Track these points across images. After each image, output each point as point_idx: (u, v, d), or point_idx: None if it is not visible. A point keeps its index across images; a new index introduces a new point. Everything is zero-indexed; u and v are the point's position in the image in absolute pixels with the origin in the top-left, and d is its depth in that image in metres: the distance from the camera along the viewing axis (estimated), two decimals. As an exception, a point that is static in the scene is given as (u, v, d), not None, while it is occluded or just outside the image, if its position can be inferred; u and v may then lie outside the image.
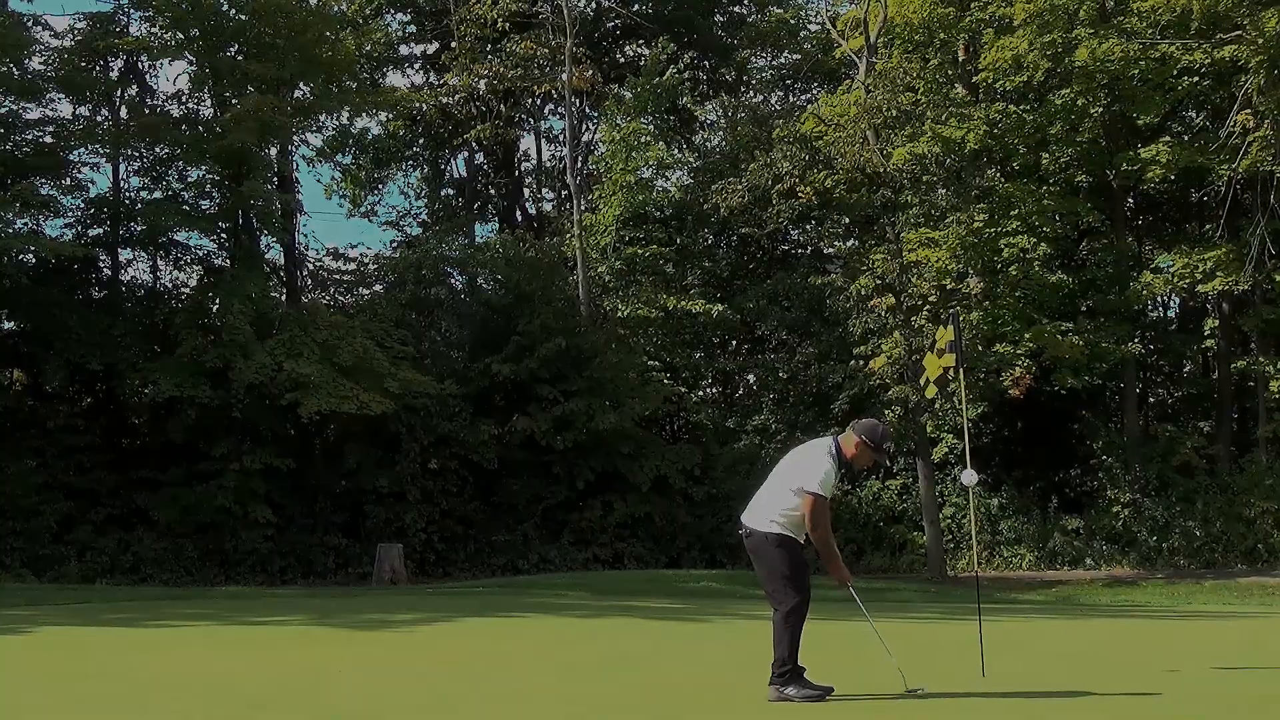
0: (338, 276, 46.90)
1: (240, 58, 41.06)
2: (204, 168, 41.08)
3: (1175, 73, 39.50)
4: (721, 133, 54.02)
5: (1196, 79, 40.19)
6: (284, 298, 43.46)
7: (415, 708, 10.87)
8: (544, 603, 24.75)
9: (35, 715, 10.37)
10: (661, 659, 14.81)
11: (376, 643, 16.49)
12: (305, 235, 53.43)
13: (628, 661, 14.45)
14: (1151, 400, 49.68)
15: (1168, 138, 40.53)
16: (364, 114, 49.70)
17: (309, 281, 46.29)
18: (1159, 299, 47.36)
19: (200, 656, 14.63)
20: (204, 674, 12.80)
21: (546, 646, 16.46)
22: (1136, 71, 39.22)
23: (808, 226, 49.03)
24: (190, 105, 42.96)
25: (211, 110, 42.10)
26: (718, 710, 10.88)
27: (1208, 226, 42.57)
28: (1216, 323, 43.97)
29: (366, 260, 47.51)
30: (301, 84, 43.20)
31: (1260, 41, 36.24)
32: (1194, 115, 44.89)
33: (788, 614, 11.14)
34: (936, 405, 39.58)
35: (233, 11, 40.73)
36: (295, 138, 44.48)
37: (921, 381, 14.86)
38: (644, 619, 21.23)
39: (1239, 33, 37.09)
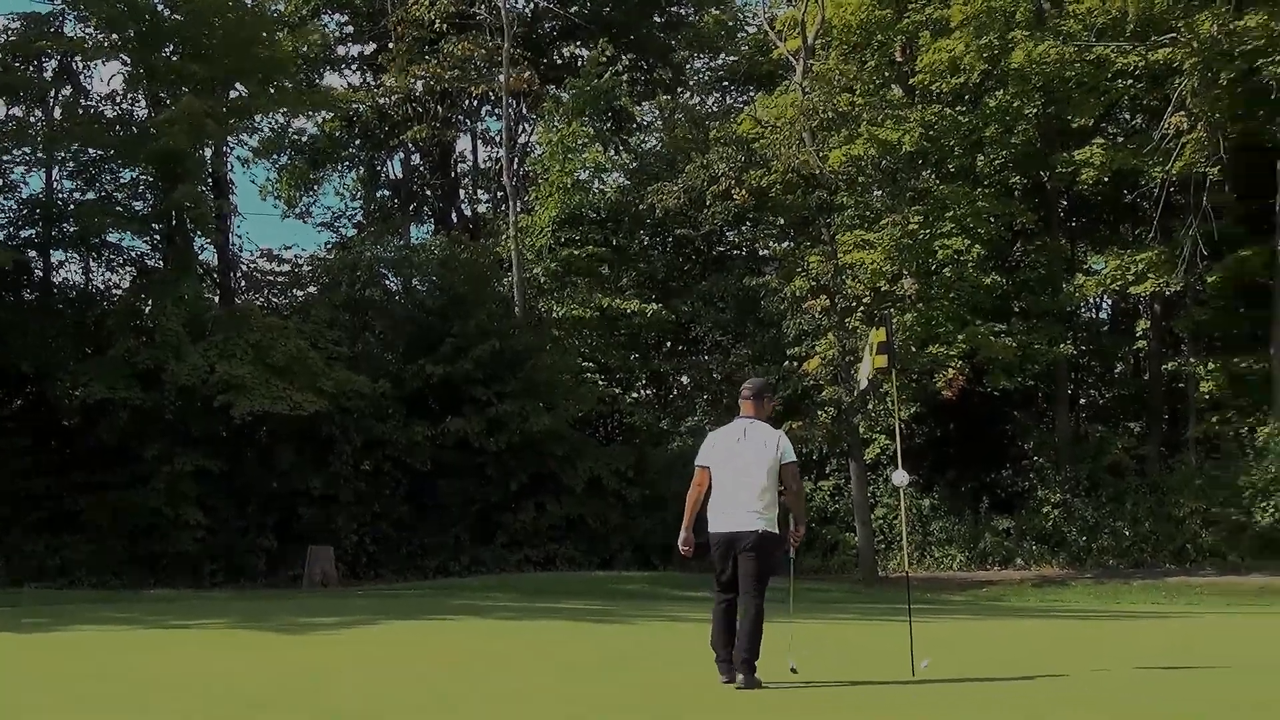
0: (271, 278, 46.43)
1: (175, 58, 40.55)
2: (137, 169, 40.54)
3: (1110, 75, 39.65)
4: (658, 134, 53.96)
5: (1131, 81, 40.35)
6: (217, 299, 43.02)
7: (346, 709, 10.64)
8: (472, 604, 24.58)
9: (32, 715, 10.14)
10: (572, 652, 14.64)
11: (295, 646, 16.29)
12: (239, 237, 52.92)
13: (567, 665, 14.27)
14: (1083, 401, 49.85)
15: (1101, 140, 40.67)
16: (300, 114, 49.34)
17: (243, 283, 45.84)
18: (1091, 300, 47.54)
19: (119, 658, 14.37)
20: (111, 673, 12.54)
21: (473, 646, 16.28)
22: (1072, 74, 39.32)
23: (743, 228, 48.99)
24: (124, 106, 42.50)
25: (146, 111, 41.63)
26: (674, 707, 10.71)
27: (1140, 229, 42.73)
28: (1148, 324, 44.20)
29: (301, 262, 47.07)
30: (237, 84, 42.83)
31: (1194, 44, 36.37)
32: (1128, 117, 45.08)
33: (762, 609, 11.75)
34: (870, 406, 39.58)
35: (168, 12, 40.26)
36: (230, 138, 44.08)
37: (862, 374, 14.78)
38: (570, 620, 21.07)
39: (1173, 35, 37.21)
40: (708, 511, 12.08)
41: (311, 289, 45.63)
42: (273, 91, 43.56)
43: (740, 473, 11.86)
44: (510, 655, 15.13)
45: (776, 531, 11.85)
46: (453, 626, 19.54)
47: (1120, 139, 41.75)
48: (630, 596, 29.95)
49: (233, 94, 43.00)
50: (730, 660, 11.75)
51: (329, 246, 53.67)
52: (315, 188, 56.19)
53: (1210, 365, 40.38)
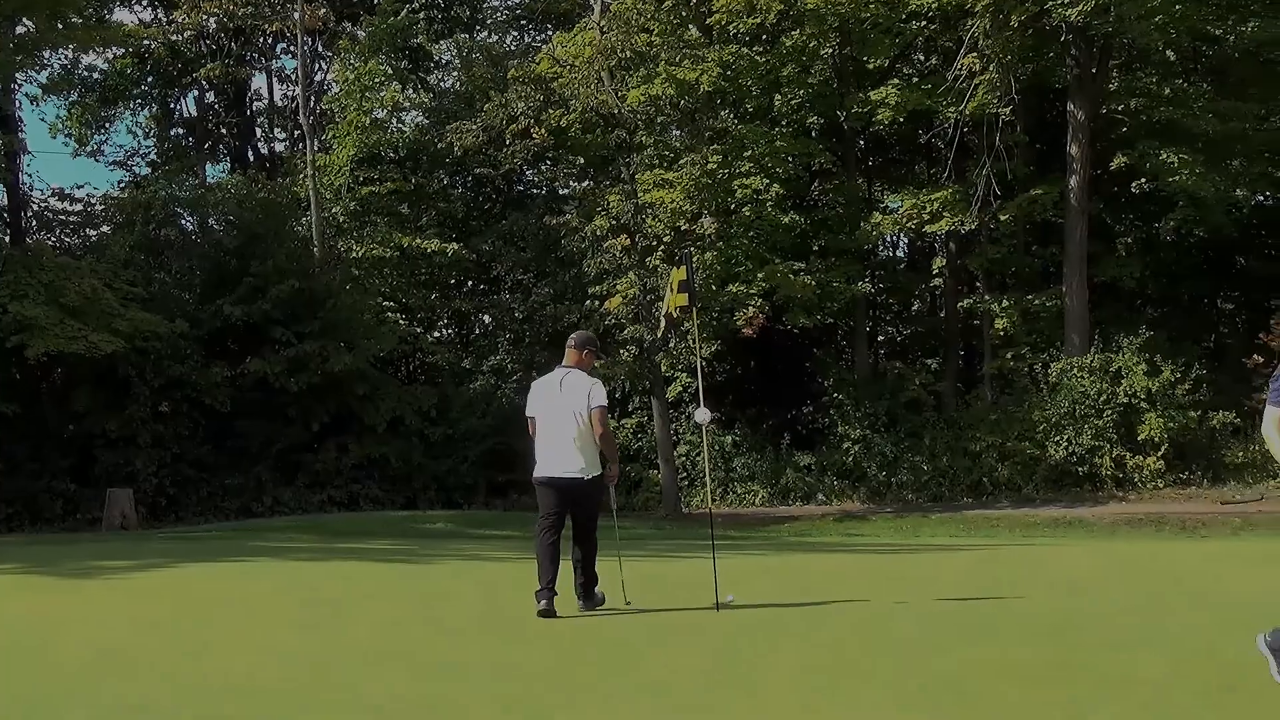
0: (64, 218, 45.42)
1: (-43, -9, 39.49)
2: (-78, 106, 39.53)
3: (904, 16, 40.07)
4: (456, 73, 53.59)
5: (925, 23, 40.87)
6: (8, 239, 42.03)
7: (141, 656, 10.52)
8: (271, 546, 24.36)
9: None
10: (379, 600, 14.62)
11: (101, 591, 16.08)
12: (29, 175, 51.52)
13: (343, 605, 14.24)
14: (881, 338, 50.55)
15: (897, 81, 41.13)
16: (90, 50, 48.18)
17: (34, 223, 44.77)
18: (888, 239, 48.19)
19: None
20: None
21: (233, 590, 16.17)
22: (867, 15, 39.64)
23: (543, 167, 48.96)
24: (-96, 40, 41.22)
25: (-73, 45, 40.47)
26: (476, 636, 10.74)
27: (935, 168, 43.30)
28: (944, 262, 44.88)
29: (94, 201, 46.03)
30: (24, 19, 41.71)
31: (986, -14, 36.85)
32: (923, 59, 45.61)
33: (593, 545, 12.86)
34: (671, 344, 39.79)
35: (-50, -57, 39.16)
36: (18, 75, 42.95)
37: (662, 313, 14.87)
38: (375, 561, 21.02)
39: (966, -24, 37.68)
40: (536, 456, 12.87)
41: (105, 229, 44.73)
42: (61, 27, 42.45)
43: (557, 421, 12.61)
44: (269, 598, 15.00)
45: (596, 474, 12.61)
46: (233, 570, 19.29)
47: (915, 80, 42.21)
48: (432, 536, 29.97)
49: (19, 29, 41.86)
50: (549, 590, 12.35)
51: (122, 185, 52.66)
52: (107, 126, 55.03)
53: (1004, 302, 41.06)
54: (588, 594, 12.82)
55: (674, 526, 34.43)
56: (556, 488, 12.62)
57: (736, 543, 27.09)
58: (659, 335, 37.76)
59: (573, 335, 13.24)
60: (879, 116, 39.93)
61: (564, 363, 12.94)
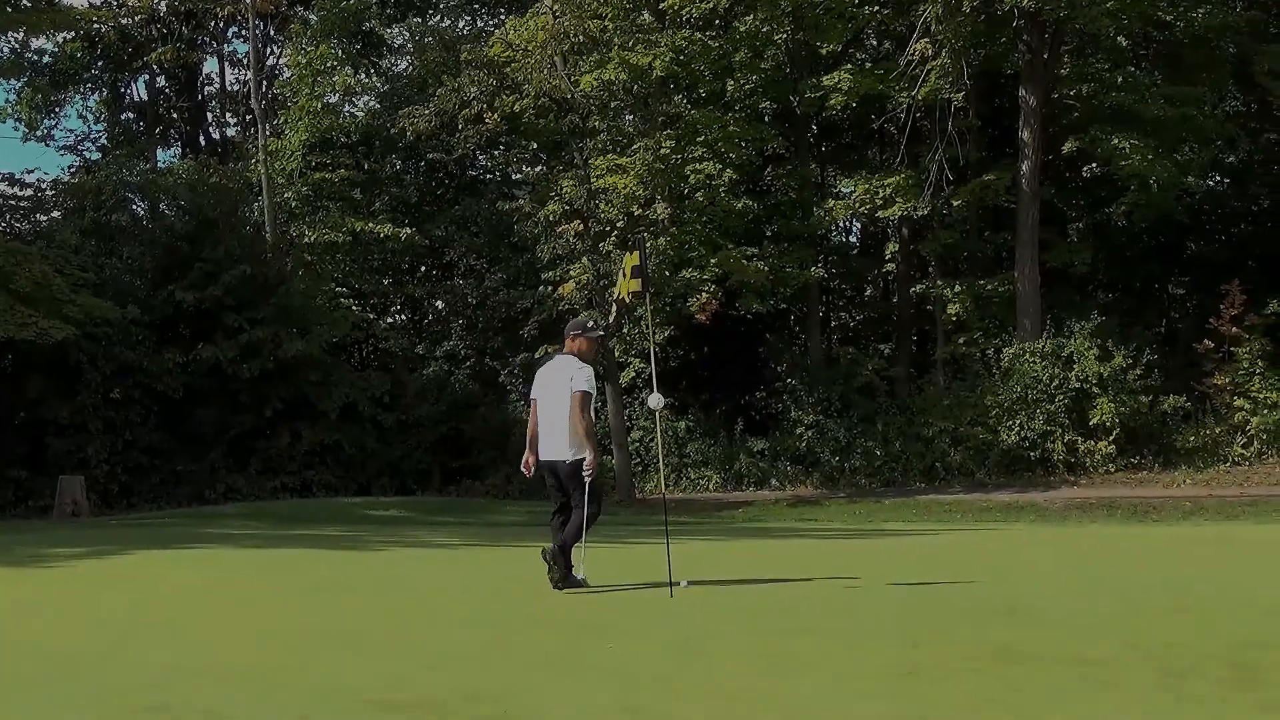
0: (14, 203, 45.15)
1: (-96, -26, 39.26)
2: None
3: (857, 1, 40.09)
4: (409, 57, 53.43)
5: (878, 7, 40.87)
6: (-43, 225, 41.89)
7: (87, 648, 10.47)
8: (223, 533, 24.35)
9: None
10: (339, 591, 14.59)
11: (48, 579, 16.02)
12: (-22, 160, 51.33)
13: (316, 592, 14.20)
14: (834, 324, 50.67)
15: (850, 65, 41.09)
16: (39, 34, 47.96)
17: (-17, 208, 44.60)
18: (841, 224, 48.28)
19: None
20: None
21: (181, 577, 16.13)
22: (820, 0, 39.65)
23: (496, 152, 48.87)
24: None
25: (-125, 29, 40.24)
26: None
27: (888, 153, 43.38)
28: (897, 247, 44.98)
29: (44, 186, 45.77)
30: (-28, 3, 41.50)
31: (938, -29, 36.90)
32: (875, 44, 45.57)
33: (581, 522, 13.19)
34: (625, 330, 39.77)
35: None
36: (-35, 59, 42.77)
37: (615, 299, 14.83)
38: (325, 549, 20.97)
39: (918, -39, 37.75)
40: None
41: (55, 214, 44.48)
42: (10, 9, 42.20)
43: (550, 405, 13.33)
44: (214, 587, 14.95)
45: (582, 457, 13.15)
46: (183, 557, 19.24)
47: (868, 65, 42.16)
48: (384, 523, 29.96)
49: (-34, 13, 41.67)
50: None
51: (73, 170, 52.40)
52: (57, 110, 54.79)
53: (956, 288, 41.09)
54: (564, 577, 13.15)
55: (628, 512, 34.43)
56: (549, 469, 13.38)
57: (690, 528, 27.12)
58: (612, 320, 37.69)
59: (570, 322, 13.95)
60: (832, 101, 39.91)
61: (563, 350, 13.58)
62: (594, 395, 13.14)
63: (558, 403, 13.19)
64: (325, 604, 12.89)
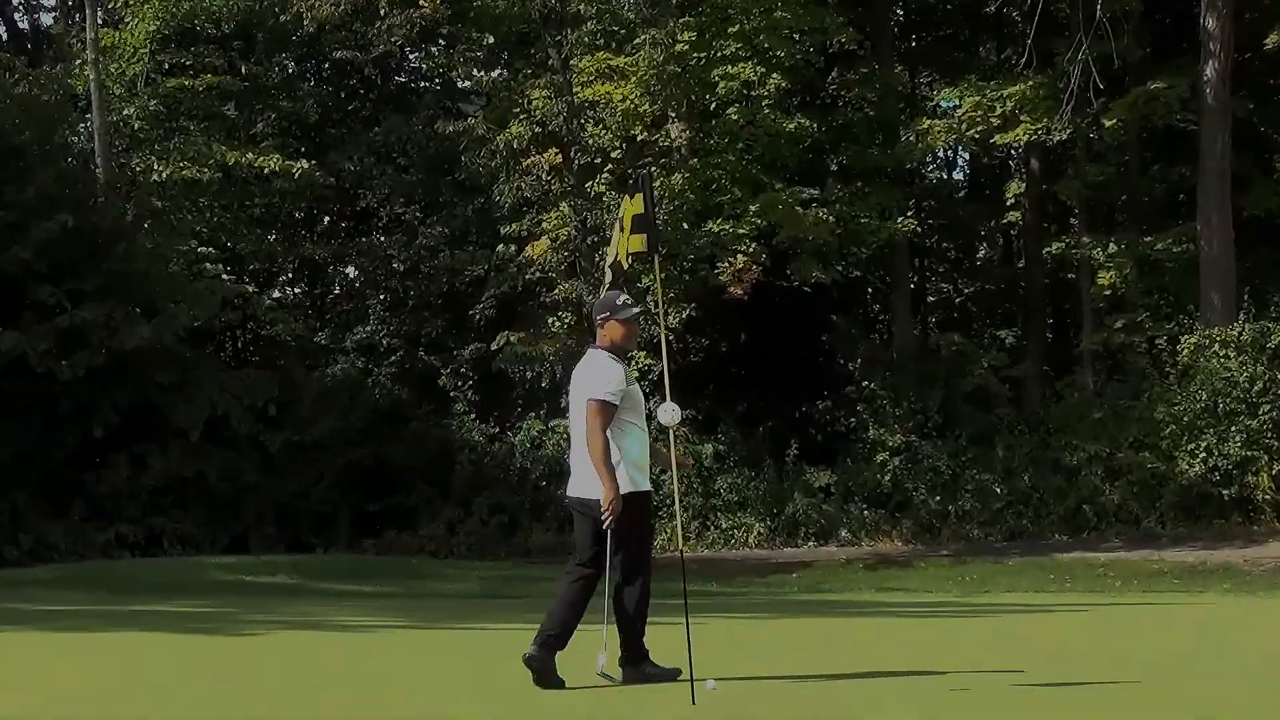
0: None
1: None
2: None
3: None
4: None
5: None
6: None
7: None
8: (30, 612, 24.03)
9: None
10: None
11: None
12: None
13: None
14: (931, 300, 50.48)
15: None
16: None
17: None
18: (941, 154, 48.04)
19: None
20: None
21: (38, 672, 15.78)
22: None
23: (434, 49, 48.67)
24: None
25: None
26: None
27: (1009, 50, 43.17)
28: (1022, 188, 44.68)
29: None
30: None
31: None
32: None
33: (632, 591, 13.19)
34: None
35: None
36: None
37: (608, 263, 14.51)
38: (173, 632, 20.65)
39: None
40: None
41: None
42: None
43: (573, 424, 13.38)
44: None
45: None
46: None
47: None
48: (266, 593, 29.74)
49: None
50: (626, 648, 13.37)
51: None
52: None
53: (1111, 247, 40.83)
54: (539, 644, 13.01)
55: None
56: (573, 509, 13.39)
57: (721, 600, 26.89)
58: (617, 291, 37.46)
59: (595, 303, 14.04)
60: (927, -27, 39.86)
61: (594, 343, 13.55)
62: (615, 405, 12.90)
63: (578, 419, 13.09)
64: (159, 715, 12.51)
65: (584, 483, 12.99)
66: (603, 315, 13.34)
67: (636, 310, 13.56)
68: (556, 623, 13.02)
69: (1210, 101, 39.32)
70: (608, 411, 12.82)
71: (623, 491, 12.76)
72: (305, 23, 43.77)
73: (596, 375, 12.98)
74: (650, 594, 13.31)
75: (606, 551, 12.93)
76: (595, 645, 12.91)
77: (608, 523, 12.77)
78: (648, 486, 13.25)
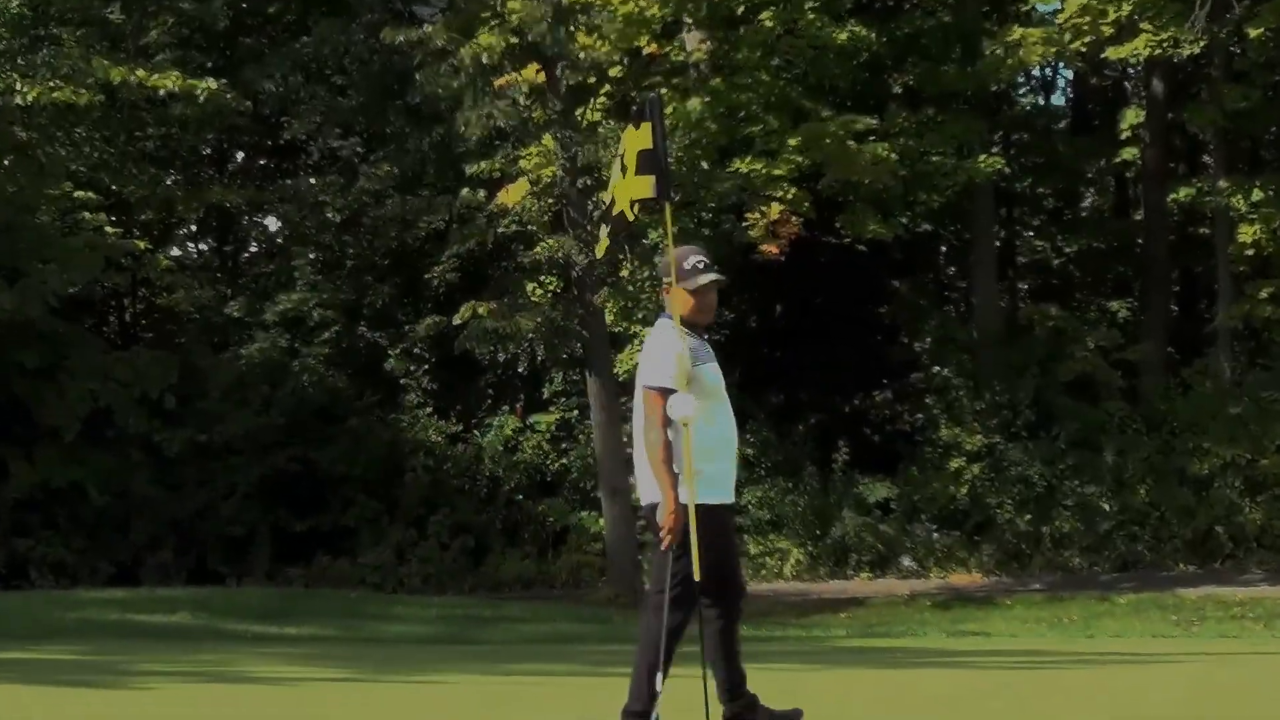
0: None
1: None
2: None
3: None
4: None
5: None
6: None
7: None
8: None
9: None
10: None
11: None
12: None
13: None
14: (1023, 261, 50.55)
15: None
16: None
17: None
18: (1037, 74, 48.11)
19: None
20: None
21: None
22: None
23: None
24: None
25: None
26: None
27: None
28: (1141, 118, 44.69)
29: None
30: None
31: None
32: None
33: (656, 628, 12.86)
34: (624, 272, 39.66)
35: None
36: None
37: (608, 202, 14.52)
38: (38, 683, 20.75)
39: None
40: None
41: None
42: None
43: (634, 411, 13.23)
44: None
45: (657, 502, 12.74)
46: None
47: None
48: (163, 635, 29.78)
49: None
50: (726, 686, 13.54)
51: None
52: None
53: (1255, 194, 40.90)
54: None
55: (628, 616, 34.33)
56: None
57: (747, 649, 26.94)
58: (600, 254, 37.62)
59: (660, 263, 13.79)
60: None
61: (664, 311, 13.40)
62: (670, 389, 12.68)
63: (638, 410, 13.02)
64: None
65: (649, 487, 12.88)
66: (665, 280, 13.27)
67: (709, 279, 13.11)
68: (641, 679, 12.91)
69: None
70: (661, 400, 12.68)
71: (686, 502, 12.64)
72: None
73: (653, 354, 12.82)
74: (681, 634, 13.12)
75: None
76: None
77: (666, 543, 12.74)
78: (724, 498, 12.91)
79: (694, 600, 13.06)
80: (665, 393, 12.57)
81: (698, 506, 12.63)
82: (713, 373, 13.03)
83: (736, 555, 13.54)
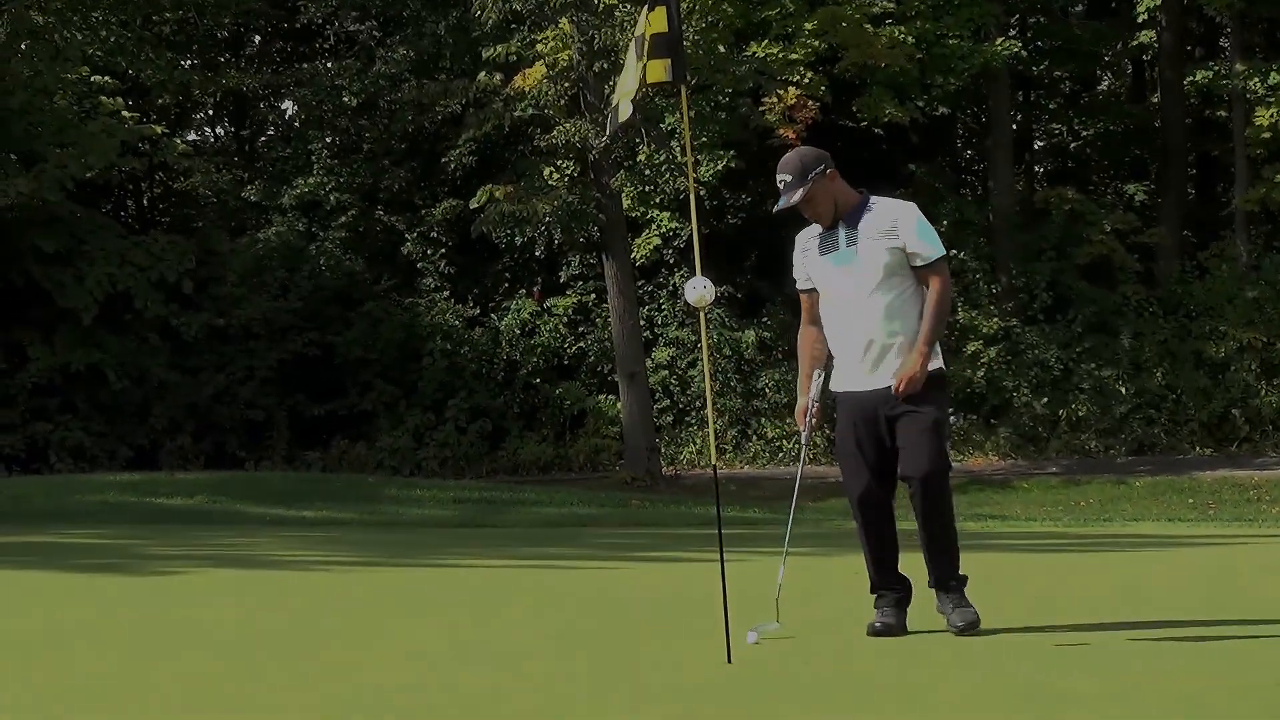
0: None
1: None
2: None
3: None
4: None
5: None
6: None
7: None
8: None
9: None
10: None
11: None
12: None
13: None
14: (1039, 145, 50.40)
15: None
16: None
17: None
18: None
19: None
20: None
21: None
22: None
23: None
24: None
25: None
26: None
27: None
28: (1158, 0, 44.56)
29: None
30: None
31: None
32: None
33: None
34: (641, 156, 39.56)
35: None
36: None
37: (616, 103, 14.33)
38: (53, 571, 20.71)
39: None
40: None
41: None
42: None
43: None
44: None
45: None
46: None
47: None
48: (181, 518, 29.82)
49: None
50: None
51: None
52: None
53: (1273, 76, 40.78)
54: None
55: (645, 500, 34.30)
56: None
57: (764, 532, 26.92)
58: (616, 137, 37.50)
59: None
60: None
61: None
62: (803, 290, 13.19)
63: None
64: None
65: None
66: (817, 167, 13.24)
67: (788, 200, 13.11)
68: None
69: None
70: (802, 299, 12.94)
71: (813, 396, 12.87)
72: None
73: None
74: (863, 527, 13.66)
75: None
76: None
77: (808, 430, 12.89)
78: (853, 386, 12.94)
79: (851, 488, 13.48)
80: (799, 292, 13.22)
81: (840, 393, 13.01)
82: (825, 261, 13.19)
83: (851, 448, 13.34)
